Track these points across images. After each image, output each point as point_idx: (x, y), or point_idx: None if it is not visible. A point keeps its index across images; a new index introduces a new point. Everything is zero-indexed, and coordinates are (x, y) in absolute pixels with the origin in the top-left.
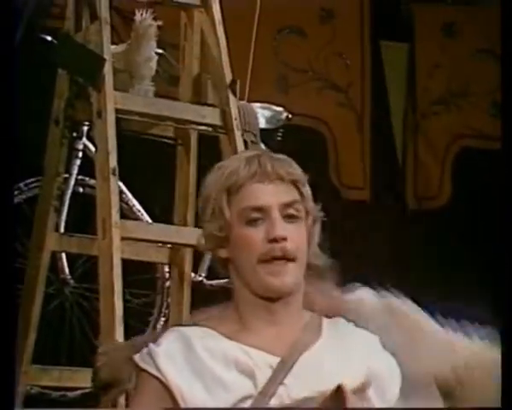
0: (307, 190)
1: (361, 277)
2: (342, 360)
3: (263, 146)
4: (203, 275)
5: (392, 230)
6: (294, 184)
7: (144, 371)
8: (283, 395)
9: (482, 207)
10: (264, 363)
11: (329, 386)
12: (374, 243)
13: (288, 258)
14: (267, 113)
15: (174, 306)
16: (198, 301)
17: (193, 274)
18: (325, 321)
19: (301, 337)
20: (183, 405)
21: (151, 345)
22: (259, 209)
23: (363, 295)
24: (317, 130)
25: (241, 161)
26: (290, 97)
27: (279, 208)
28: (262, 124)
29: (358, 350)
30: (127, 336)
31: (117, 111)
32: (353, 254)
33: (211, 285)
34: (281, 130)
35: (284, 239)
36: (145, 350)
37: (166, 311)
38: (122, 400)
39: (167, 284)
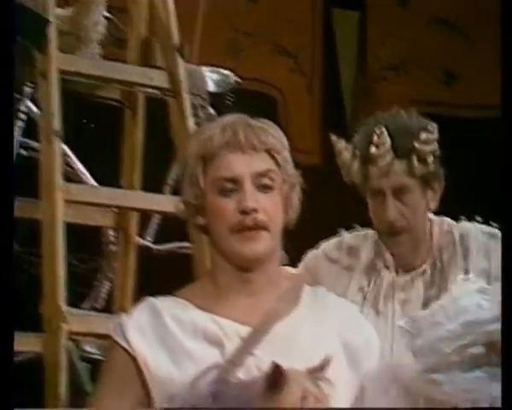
0: (284, 158)
1: (312, 242)
2: (316, 331)
3: (212, 110)
4: (150, 240)
5: (342, 193)
6: (269, 152)
7: (114, 341)
8: (252, 365)
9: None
10: (234, 333)
11: (300, 358)
12: (324, 207)
13: (259, 228)
14: (216, 76)
15: (119, 271)
16: (145, 267)
17: (139, 239)
18: (305, 291)
19: (275, 307)
20: (147, 375)
21: (123, 315)
22: (232, 180)
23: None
24: (268, 94)
25: (216, 129)
26: (240, 62)
27: (252, 178)
28: (211, 87)
29: (335, 321)
30: (72, 301)
31: (62, 73)
32: (303, 217)
33: (158, 250)
34: (230, 94)
35: (255, 211)
36: (117, 321)
37: (112, 276)
38: None
39: (113, 248)
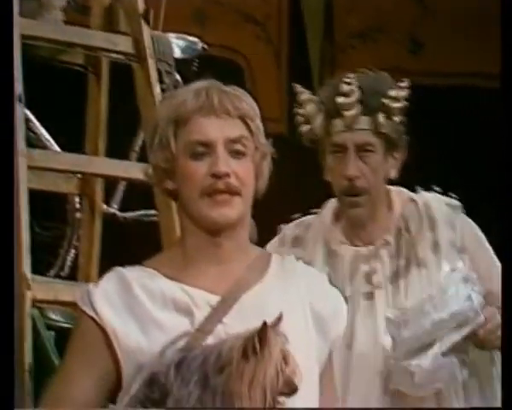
0: (257, 126)
1: (276, 211)
2: (285, 299)
3: (178, 76)
4: (116, 207)
5: (308, 162)
6: (242, 119)
7: (82, 311)
8: (221, 333)
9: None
10: (203, 302)
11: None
12: (289, 176)
13: (231, 192)
14: (182, 43)
15: (85, 238)
16: (111, 234)
17: (105, 206)
18: (273, 259)
19: (245, 276)
20: (116, 345)
21: (90, 285)
22: (204, 144)
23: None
24: (235, 61)
25: (189, 93)
26: (207, 29)
27: (224, 144)
28: (177, 54)
29: (303, 289)
30: (37, 269)
31: (23, 37)
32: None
33: (124, 218)
34: (196, 60)
35: (227, 175)
36: (84, 290)
37: (77, 243)
38: None
39: (78, 215)
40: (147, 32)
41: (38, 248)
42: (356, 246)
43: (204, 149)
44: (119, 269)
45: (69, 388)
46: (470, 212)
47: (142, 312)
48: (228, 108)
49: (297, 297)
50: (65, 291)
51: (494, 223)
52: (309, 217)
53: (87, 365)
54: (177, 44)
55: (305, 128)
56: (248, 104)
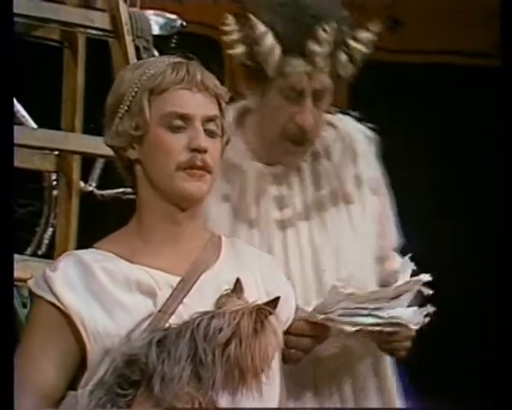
0: (225, 108)
1: None
2: (241, 280)
3: (156, 53)
4: (93, 185)
5: None
6: (217, 98)
7: (40, 297)
8: (183, 313)
9: (377, 117)
10: (164, 283)
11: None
12: None
13: (206, 169)
14: (160, 20)
15: (62, 216)
16: (88, 212)
17: (82, 184)
18: (224, 241)
19: (202, 257)
20: (82, 330)
21: (46, 270)
22: (183, 117)
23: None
24: (213, 37)
25: (167, 65)
26: (185, 6)
27: (201, 121)
28: (155, 31)
29: (256, 272)
30: (13, 247)
31: None
32: None
33: (101, 195)
34: (175, 37)
35: (205, 151)
36: (39, 275)
37: (54, 221)
38: None
39: (55, 193)
40: (124, 8)
41: (15, 225)
42: (259, 161)
43: (181, 123)
44: (75, 252)
45: (32, 375)
46: (457, 187)
47: (106, 295)
48: (208, 85)
49: (252, 279)
50: (41, 270)
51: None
52: None
53: (50, 351)
54: (156, 21)
55: (238, 50)
56: (221, 85)
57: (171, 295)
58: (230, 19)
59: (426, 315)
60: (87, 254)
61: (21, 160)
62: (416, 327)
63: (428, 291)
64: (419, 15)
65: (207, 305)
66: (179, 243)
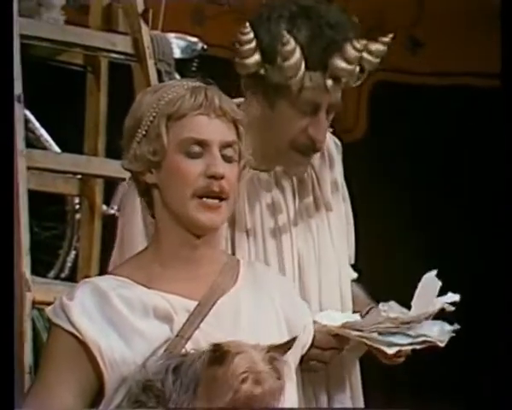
0: (243, 132)
1: None
2: (258, 305)
3: (178, 76)
4: (115, 208)
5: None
6: (235, 123)
7: (57, 326)
8: (200, 338)
9: (398, 140)
10: (182, 308)
11: (246, 331)
12: None
13: (222, 197)
14: (182, 43)
15: (84, 239)
16: (110, 235)
17: (104, 207)
18: (242, 264)
19: (219, 281)
20: (100, 359)
21: (63, 298)
22: (201, 143)
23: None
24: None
25: (185, 90)
26: (206, 29)
27: (219, 146)
28: (177, 54)
29: (276, 297)
30: (35, 269)
31: (22, 37)
32: None
33: None
34: (196, 60)
35: (223, 177)
36: (57, 303)
37: (77, 244)
38: None
39: (77, 216)
40: (146, 31)
41: (38, 249)
42: (251, 167)
43: (199, 149)
44: (91, 280)
45: (50, 404)
46: (472, 210)
47: (123, 322)
48: (226, 110)
49: (270, 303)
50: (65, 293)
51: (495, 224)
52: None
53: (67, 380)
54: (177, 44)
55: (252, 59)
56: (238, 109)
57: (187, 319)
58: (248, 28)
59: (452, 331)
60: (104, 281)
61: (45, 183)
62: (443, 344)
63: (451, 308)
64: (440, 36)
65: (224, 330)
66: (196, 267)
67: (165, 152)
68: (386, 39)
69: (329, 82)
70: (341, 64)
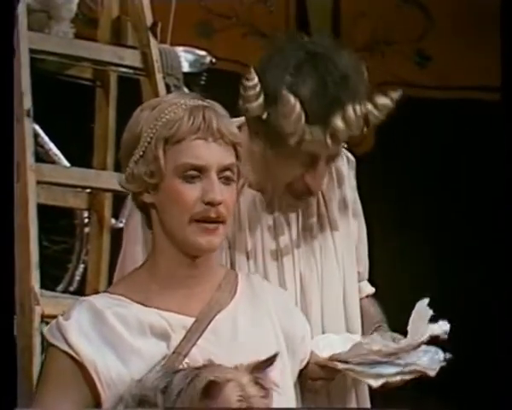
0: (242, 152)
1: None
2: (256, 319)
3: (186, 90)
4: (124, 222)
5: None
6: (233, 144)
7: (54, 346)
8: (197, 355)
9: (405, 154)
10: (178, 325)
11: (244, 347)
12: None
13: (219, 221)
14: (190, 56)
15: (93, 253)
16: (119, 249)
17: (113, 220)
18: (240, 277)
19: (216, 296)
20: (96, 379)
21: (60, 318)
22: (199, 168)
23: None
24: (242, 74)
25: (183, 111)
26: (214, 42)
27: (217, 170)
28: (185, 68)
29: (273, 310)
30: (44, 283)
31: (32, 51)
32: None
33: None
34: (205, 74)
35: (220, 203)
36: (54, 323)
37: (85, 258)
38: None
39: (86, 230)
40: (155, 45)
41: (47, 262)
42: (252, 189)
43: (197, 173)
44: (87, 299)
45: None
46: (476, 216)
47: (120, 342)
48: (224, 133)
49: (267, 316)
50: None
51: (497, 235)
52: None
53: (64, 401)
54: (186, 58)
55: (256, 103)
56: (236, 128)
57: (184, 336)
58: (253, 73)
59: (443, 360)
60: (99, 300)
61: (54, 197)
62: (434, 373)
63: (444, 336)
64: (447, 50)
65: (222, 345)
66: (194, 285)
67: (162, 175)
68: (395, 95)
69: (329, 139)
70: (341, 125)
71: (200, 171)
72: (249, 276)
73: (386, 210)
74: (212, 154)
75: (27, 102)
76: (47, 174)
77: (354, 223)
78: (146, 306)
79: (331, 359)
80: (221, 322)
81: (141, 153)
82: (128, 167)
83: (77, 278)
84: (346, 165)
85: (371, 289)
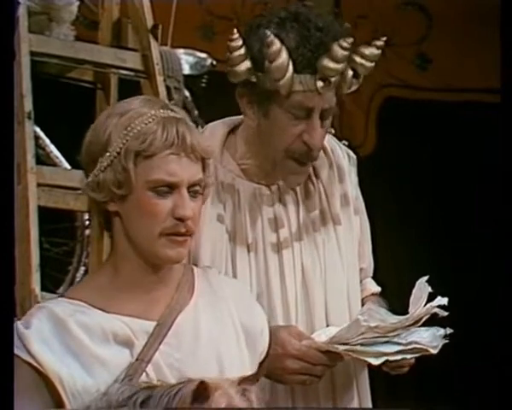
0: (210, 164)
1: None
2: (216, 317)
3: (187, 92)
4: None
5: None
6: (203, 160)
7: (15, 356)
8: (160, 361)
9: (407, 155)
10: (141, 330)
11: (206, 346)
12: None
13: (188, 234)
14: (191, 59)
15: (94, 255)
16: None
17: None
18: (196, 274)
19: (176, 297)
20: (61, 389)
21: (20, 327)
22: (171, 185)
23: None
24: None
25: (156, 124)
26: (215, 45)
27: (187, 185)
28: (186, 70)
29: (231, 305)
30: (45, 285)
31: (32, 54)
32: None
33: None
34: (205, 76)
35: (189, 219)
36: (14, 332)
37: (86, 260)
38: None
39: (87, 232)
40: (155, 47)
41: (48, 265)
42: (252, 182)
43: (168, 189)
44: (45, 305)
45: None
46: (474, 220)
47: (83, 350)
48: (195, 149)
49: (227, 313)
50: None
51: (497, 235)
52: None
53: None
54: (186, 60)
55: (243, 66)
56: (205, 142)
57: (146, 342)
58: (237, 34)
59: (444, 337)
60: (59, 306)
61: (55, 200)
62: (436, 350)
63: (443, 313)
64: (448, 53)
65: (184, 349)
66: (156, 289)
67: (131, 188)
68: (380, 43)
69: (320, 83)
70: (329, 64)
71: (171, 187)
72: (205, 270)
73: (386, 210)
74: (184, 170)
75: (28, 105)
76: (48, 177)
77: (356, 219)
78: (107, 312)
79: (331, 342)
80: (182, 324)
81: (108, 162)
82: (92, 174)
83: (77, 280)
84: (346, 161)
85: (377, 288)
